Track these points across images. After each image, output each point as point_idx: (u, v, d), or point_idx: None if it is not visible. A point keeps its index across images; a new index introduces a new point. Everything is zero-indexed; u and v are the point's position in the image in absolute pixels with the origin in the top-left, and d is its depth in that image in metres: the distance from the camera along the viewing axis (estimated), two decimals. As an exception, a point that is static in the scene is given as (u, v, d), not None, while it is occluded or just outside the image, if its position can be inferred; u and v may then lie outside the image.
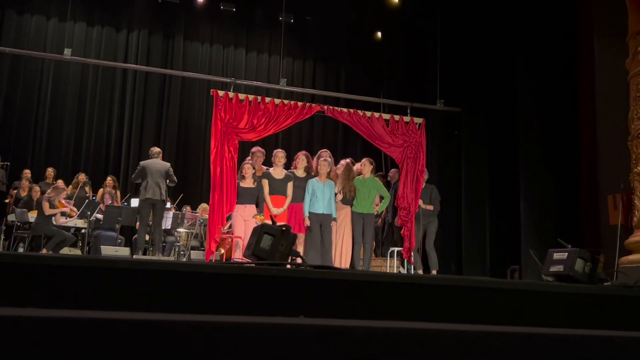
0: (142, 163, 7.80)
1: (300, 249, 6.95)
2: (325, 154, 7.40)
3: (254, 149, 7.48)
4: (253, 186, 7.01)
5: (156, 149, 8.01)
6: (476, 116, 8.85)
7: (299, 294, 2.39)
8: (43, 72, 10.68)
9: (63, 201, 8.24)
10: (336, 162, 7.66)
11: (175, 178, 7.85)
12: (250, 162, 7.19)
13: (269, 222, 6.75)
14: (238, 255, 6.57)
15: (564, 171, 7.35)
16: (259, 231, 3.31)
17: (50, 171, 9.53)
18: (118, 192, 9.39)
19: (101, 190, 9.12)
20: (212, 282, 2.31)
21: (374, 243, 7.80)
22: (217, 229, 6.95)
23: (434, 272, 7.45)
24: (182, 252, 8.85)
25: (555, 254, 3.72)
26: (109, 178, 9.30)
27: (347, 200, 7.30)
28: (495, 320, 2.52)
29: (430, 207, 7.70)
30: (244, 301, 2.32)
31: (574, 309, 2.77)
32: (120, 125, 11.00)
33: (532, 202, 7.47)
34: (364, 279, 2.58)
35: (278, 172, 7.08)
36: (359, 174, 7.45)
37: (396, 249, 7.73)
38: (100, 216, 8.37)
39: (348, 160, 7.73)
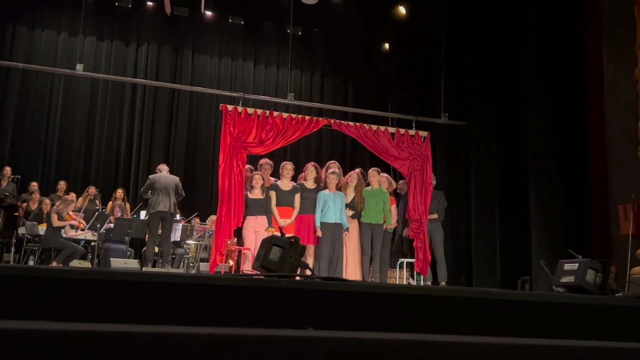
0: (151, 177, 7.91)
1: (309, 260, 6.96)
2: (333, 166, 7.40)
3: (261, 161, 7.51)
4: (262, 197, 7.01)
5: (164, 166, 8.12)
6: (484, 128, 8.80)
7: (308, 306, 2.38)
8: (53, 86, 10.81)
9: (71, 213, 8.28)
10: (345, 173, 7.64)
11: (183, 192, 7.96)
12: (260, 172, 7.22)
13: (279, 234, 6.88)
14: (247, 267, 6.57)
15: (574, 181, 7.30)
16: (268, 243, 3.30)
17: (62, 184, 9.65)
18: (127, 205, 9.46)
19: (111, 202, 9.20)
20: (220, 295, 2.31)
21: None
22: (223, 242, 6.96)
23: (443, 283, 7.40)
24: (191, 264, 8.87)
25: (566, 264, 3.69)
26: (118, 190, 9.39)
27: (357, 215, 7.30)
28: (506, 332, 2.51)
29: (435, 216, 7.68)
30: (253, 313, 2.32)
31: (585, 320, 2.74)
32: (130, 138, 11.09)
33: (542, 212, 7.41)
34: (373, 291, 2.56)
35: (286, 184, 7.09)
36: (367, 184, 7.48)
37: (405, 260, 7.72)
38: (111, 225, 8.39)
39: (358, 170, 7.74)
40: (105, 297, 2.19)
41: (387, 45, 11.65)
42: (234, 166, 7.13)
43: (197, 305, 2.27)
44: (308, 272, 3.51)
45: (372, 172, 7.44)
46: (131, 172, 10.89)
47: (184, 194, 8.01)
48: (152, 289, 2.24)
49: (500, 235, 8.38)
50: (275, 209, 6.98)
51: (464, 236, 9.06)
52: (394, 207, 7.61)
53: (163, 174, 7.93)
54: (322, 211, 6.95)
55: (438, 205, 7.79)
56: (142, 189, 8.07)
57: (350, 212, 7.22)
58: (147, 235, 8.09)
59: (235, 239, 7.23)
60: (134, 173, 10.87)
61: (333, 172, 7.07)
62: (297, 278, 3.10)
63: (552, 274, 3.84)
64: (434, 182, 7.88)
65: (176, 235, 8.54)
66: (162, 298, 2.25)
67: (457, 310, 2.55)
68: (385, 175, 7.77)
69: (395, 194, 8.08)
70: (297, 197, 7.06)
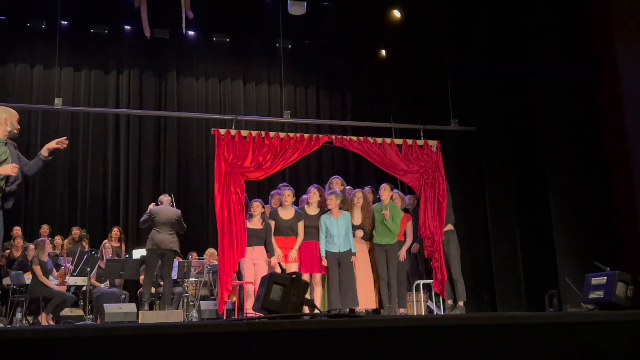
0: (152, 209, 7.93)
1: (317, 289, 6.99)
2: (335, 184, 7.42)
3: (273, 192, 7.61)
4: (260, 227, 7.02)
5: (166, 197, 8.15)
6: (496, 133, 8.82)
7: (316, 348, 2.37)
8: (31, 121, 10.85)
9: (54, 274, 8.23)
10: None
11: (184, 226, 8.03)
12: (260, 200, 7.24)
13: (284, 263, 6.86)
14: (251, 304, 6.58)
15: (597, 186, 7.27)
16: (268, 281, 3.29)
17: (45, 228, 9.61)
18: (123, 245, 9.48)
19: (105, 241, 9.20)
20: (222, 342, 2.31)
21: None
22: (229, 277, 6.95)
23: (461, 303, 7.37)
24: (191, 303, 8.88)
25: (593, 279, 3.67)
26: (115, 229, 9.40)
27: (368, 236, 7.29)
28: (536, 357, 2.49)
29: (449, 227, 7.66)
30: (258, 359, 2.31)
31: (619, 339, 2.72)
32: (116, 172, 11.11)
33: (565, 221, 7.37)
34: (389, 325, 2.54)
35: (286, 212, 7.09)
36: (378, 199, 7.47)
37: (422, 281, 7.69)
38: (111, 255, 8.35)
39: (366, 189, 7.73)
40: (100, 355, 2.20)
41: (383, 52, 11.70)
42: (232, 194, 7.13)
43: (197, 355, 2.27)
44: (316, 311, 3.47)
45: (385, 186, 7.42)
46: (120, 209, 10.89)
47: (186, 228, 8.06)
48: (147, 342, 2.24)
49: (521, 248, 8.33)
50: (273, 240, 6.98)
51: (481, 251, 9.03)
52: (409, 225, 7.59)
53: (165, 206, 7.95)
54: (325, 238, 6.96)
55: (447, 214, 7.74)
56: (141, 220, 8.06)
57: (361, 234, 7.21)
58: (141, 276, 8.11)
59: (235, 275, 7.23)
60: (123, 209, 10.86)
61: (332, 194, 7.05)
62: (303, 317, 3.08)
63: (579, 289, 3.81)
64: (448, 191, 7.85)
65: (173, 274, 8.45)
66: (160, 349, 2.25)
67: (482, 339, 2.54)
68: (398, 192, 7.77)
69: (405, 210, 8.02)
70: (300, 225, 7.04)
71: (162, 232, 7.65)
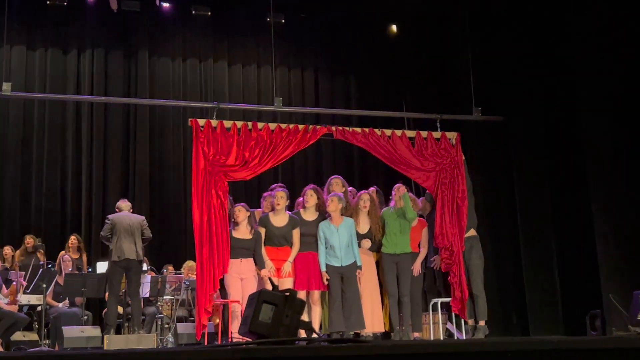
0: (110, 217, 8.02)
1: (315, 309, 7.00)
2: (336, 185, 7.41)
3: (265, 194, 7.58)
4: (249, 237, 7.02)
5: (125, 203, 8.23)
6: (527, 124, 8.85)
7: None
8: (-27, 112, 10.77)
9: (4, 291, 8.21)
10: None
11: (150, 234, 8.13)
12: (243, 205, 7.22)
13: (276, 278, 6.87)
14: (237, 327, 6.38)
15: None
16: (257, 300, 3.29)
17: (-10, 239, 9.58)
18: (84, 256, 9.46)
19: (62, 252, 9.15)
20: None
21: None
22: (208, 297, 6.91)
23: (482, 322, 7.38)
24: (166, 325, 8.84)
25: (642, 297, 3.67)
26: (72, 237, 9.38)
27: (378, 246, 7.30)
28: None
29: (472, 233, 7.66)
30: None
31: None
32: (77, 170, 10.99)
33: (611, 229, 7.39)
34: (397, 352, 2.55)
35: (278, 218, 7.08)
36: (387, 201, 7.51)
37: (440, 299, 7.67)
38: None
39: (372, 190, 7.72)
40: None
41: (394, 27, 11.69)
42: (212, 197, 7.09)
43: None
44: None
45: (400, 187, 7.44)
46: (82, 214, 10.79)
47: (151, 236, 8.16)
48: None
49: (557, 259, 8.40)
50: (264, 251, 6.99)
51: (510, 261, 9.07)
52: (424, 233, 7.62)
53: (125, 213, 8.07)
54: (325, 250, 6.96)
55: (469, 217, 7.73)
56: (102, 233, 8.09)
57: (368, 244, 7.21)
58: (107, 293, 8.08)
59: (219, 290, 7.22)
60: (86, 214, 10.76)
61: (334, 197, 7.06)
62: (298, 343, 3.09)
63: (626, 310, 3.82)
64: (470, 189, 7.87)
65: (144, 291, 8.52)
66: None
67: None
68: (412, 195, 7.77)
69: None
70: (296, 232, 7.03)
71: (125, 243, 7.72)
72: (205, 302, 6.88)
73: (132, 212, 8.28)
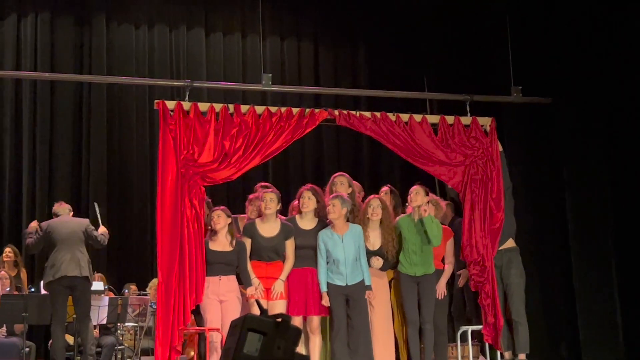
0: (44, 224, 8.07)
1: (314, 339, 7.01)
2: (340, 185, 7.43)
3: (251, 196, 7.58)
4: (229, 249, 6.98)
5: (62, 207, 8.30)
6: (580, 108, 8.85)
7: None
8: None
9: None
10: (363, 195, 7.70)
11: (100, 238, 8.17)
12: (223, 209, 7.18)
13: (264, 301, 6.89)
14: (215, 361, 6.66)
15: None
16: (240, 328, 3.32)
17: None
18: (23, 272, 9.43)
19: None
20: None
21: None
22: (176, 331, 6.83)
23: (522, 356, 7.43)
24: (128, 359, 9.05)
25: None
26: (7, 249, 9.37)
27: (391, 264, 7.27)
28: None
29: (510, 244, 7.73)
30: None
31: None
32: (17, 163, 10.99)
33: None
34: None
35: (268, 226, 7.04)
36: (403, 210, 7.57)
37: (470, 327, 7.70)
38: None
39: (384, 190, 7.80)
40: None
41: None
42: (185, 208, 7.06)
43: None
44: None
45: (418, 189, 7.34)
46: (22, 220, 10.76)
47: (102, 242, 8.22)
48: None
49: (619, 279, 8.41)
50: (249, 266, 6.97)
51: (558, 279, 9.11)
52: (449, 244, 7.65)
53: (63, 218, 8.10)
54: (326, 265, 6.99)
55: (507, 224, 7.77)
56: (27, 242, 8.18)
57: (379, 263, 7.18)
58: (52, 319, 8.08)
59: (192, 317, 7.24)
60: (26, 221, 10.57)
61: (336, 198, 7.01)
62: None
63: None
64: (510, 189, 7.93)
65: (100, 317, 8.56)
66: None
67: None
68: (436, 198, 7.84)
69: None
70: (289, 244, 7.04)
71: (66, 255, 7.76)
72: (174, 339, 6.85)
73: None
